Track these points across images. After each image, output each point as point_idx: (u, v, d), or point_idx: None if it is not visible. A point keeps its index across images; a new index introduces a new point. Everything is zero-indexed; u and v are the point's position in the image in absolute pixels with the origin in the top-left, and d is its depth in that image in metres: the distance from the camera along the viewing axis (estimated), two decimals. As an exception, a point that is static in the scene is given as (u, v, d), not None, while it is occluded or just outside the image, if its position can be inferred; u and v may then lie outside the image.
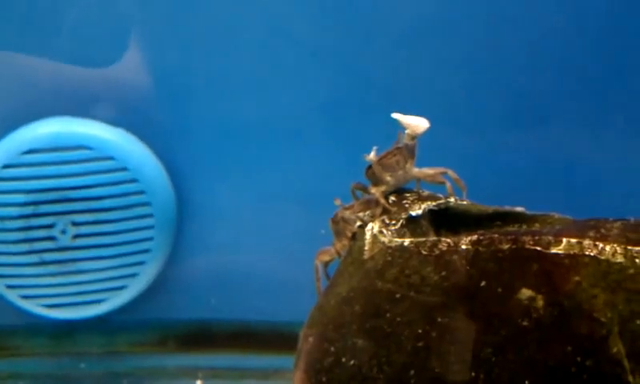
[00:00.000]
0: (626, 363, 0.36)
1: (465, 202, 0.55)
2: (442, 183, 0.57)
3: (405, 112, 0.56)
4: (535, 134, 0.80)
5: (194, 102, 0.79)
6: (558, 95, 0.78)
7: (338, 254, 0.56)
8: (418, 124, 0.56)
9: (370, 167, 0.58)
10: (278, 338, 0.81)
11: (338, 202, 0.57)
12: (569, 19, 0.77)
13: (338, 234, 0.57)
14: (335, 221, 0.57)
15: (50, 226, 0.76)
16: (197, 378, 0.80)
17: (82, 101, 0.77)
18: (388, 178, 0.56)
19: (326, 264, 0.58)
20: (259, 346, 0.82)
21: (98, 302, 0.78)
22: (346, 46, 0.78)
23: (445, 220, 0.55)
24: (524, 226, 0.53)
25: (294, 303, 0.74)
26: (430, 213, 0.54)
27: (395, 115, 0.56)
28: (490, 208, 0.54)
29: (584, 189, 0.80)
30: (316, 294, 0.56)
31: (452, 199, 0.55)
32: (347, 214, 0.56)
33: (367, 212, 0.56)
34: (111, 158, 0.76)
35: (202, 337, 0.82)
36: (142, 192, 0.76)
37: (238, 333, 0.82)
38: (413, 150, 0.57)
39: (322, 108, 0.79)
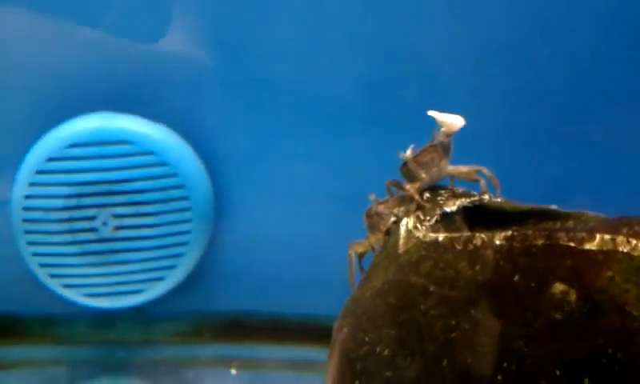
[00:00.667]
0: (657, 357, 0.36)
1: (499, 200, 0.56)
2: (477, 181, 0.57)
3: (443, 109, 0.57)
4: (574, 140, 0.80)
5: (232, 98, 0.81)
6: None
7: (372, 247, 0.57)
8: (453, 122, 0.56)
9: (405, 164, 0.59)
10: (311, 331, 0.82)
11: (372, 197, 0.58)
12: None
13: (372, 227, 0.58)
14: (369, 215, 0.58)
15: (92, 218, 0.78)
16: (231, 367, 0.81)
17: (124, 96, 0.80)
18: (423, 175, 0.57)
19: (360, 256, 0.59)
20: (293, 338, 0.83)
21: (137, 292, 0.80)
22: (387, 37, 0.79)
23: (479, 217, 0.55)
24: (558, 224, 0.53)
25: (327, 296, 0.75)
26: (464, 210, 0.54)
27: (431, 113, 0.57)
28: (525, 206, 0.55)
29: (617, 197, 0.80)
30: (349, 286, 0.57)
31: (486, 196, 0.56)
32: (381, 208, 0.57)
33: (402, 208, 0.57)
34: (152, 153, 0.78)
35: (236, 328, 0.84)
36: (181, 186, 0.78)
37: (272, 325, 0.84)
38: (448, 147, 0.58)
39: (360, 103, 0.81)
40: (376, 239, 0.57)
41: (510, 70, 0.78)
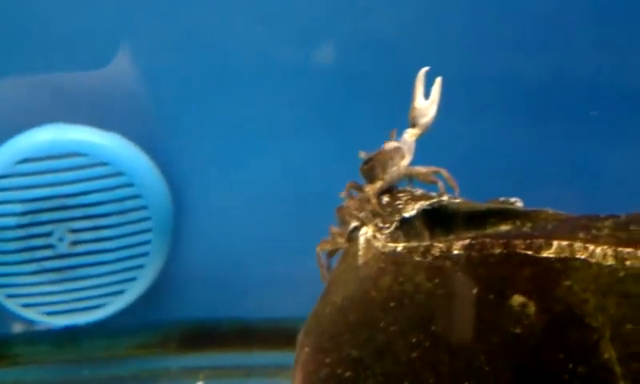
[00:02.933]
0: (617, 368, 0.36)
1: (458, 200, 0.55)
2: (434, 182, 0.57)
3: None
4: (532, 127, 0.80)
5: (186, 104, 0.79)
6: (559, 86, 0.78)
7: (340, 246, 0.56)
8: (428, 113, 0.56)
9: (364, 163, 0.58)
10: (279, 335, 0.81)
11: (343, 195, 0.57)
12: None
13: (342, 222, 0.57)
14: (339, 210, 0.57)
15: (48, 234, 0.76)
16: (199, 378, 0.80)
17: (75, 107, 0.77)
18: (383, 175, 0.57)
19: (330, 254, 0.58)
20: (261, 344, 0.83)
21: (99, 306, 0.79)
22: (339, 35, 0.78)
23: (438, 219, 0.55)
24: (517, 223, 0.53)
25: (294, 299, 0.74)
26: (423, 212, 0.54)
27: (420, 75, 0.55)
28: (484, 205, 0.54)
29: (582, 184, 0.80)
30: (322, 282, 0.55)
31: (445, 197, 0.55)
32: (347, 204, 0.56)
33: (362, 212, 0.56)
34: (106, 164, 0.76)
35: (203, 336, 0.83)
36: (138, 196, 0.77)
37: (240, 331, 0.83)
38: (411, 147, 0.57)
39: (318, 103, 0.79)
40: (343, 238, 0.56)
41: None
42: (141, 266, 0.78)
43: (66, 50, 0.77)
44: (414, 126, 0.57)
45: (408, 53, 0.77)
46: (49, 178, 0.75)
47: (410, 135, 0.57)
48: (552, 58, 0.77)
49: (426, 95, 0.57)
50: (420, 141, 0.57)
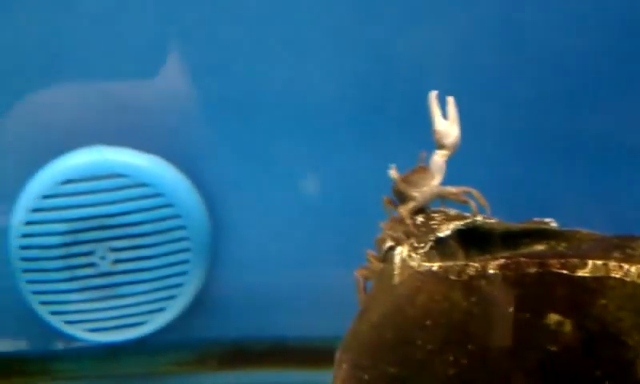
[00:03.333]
0: (653, 387, 0.36)
1: (492, 221, 0.56)
2: (466, 202, 0.57)
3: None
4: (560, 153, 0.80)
5: (225, 126, 0.81)
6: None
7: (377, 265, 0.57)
8: (448, 132, 0.56)
9: (397, 184, 0.59)
10: (315, 353, 0.82)
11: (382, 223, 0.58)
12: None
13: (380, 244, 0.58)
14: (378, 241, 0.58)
15: (90, 253, 0.78)
16: (236, 395, 0.82)
17: (115, 130, 0.80)
18: (415, 194, 0.57)
19: (366, 278, 0.59)
20: (296, 362, 0.83)
21: (139, 324, 0.80)
22: (373, 45, 0.79)
23: (473, 239, 0.55)
24: (552, 243, 0.54)
25: (330, 318, 0.75)
26: (458, 232, 0.55)
27: (432, 99, 0.56)
28: (518, 225, 0.55)
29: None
30: (359, 306, 0.56)
31: (479, 218, 0.56)
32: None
33: (396, 231, 0.57)
34: (146, 185, 0.78)
35: (240, 355, 0.84)
36: (177, 216, 0.78)
37: (275, 349, 0.84)
38: (441, 167, 0.58)
39: (354, 118, 0.80)
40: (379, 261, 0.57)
41: (500, 80, 0.78)
42: (180, 285, 0.80)
43: (108, 71, 0.79)
44: (441, 147, 0.58)
45: (429, 76, 0.78)
46: (90, 198, 0.77)
47: (440, 156, 0.58)
48: (572, 89, 0.78)
49: (445, 115, 0.58)
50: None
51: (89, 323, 0.80)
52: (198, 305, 0.82)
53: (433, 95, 0.57)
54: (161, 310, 0.80)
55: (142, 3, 0.77)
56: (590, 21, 0.76)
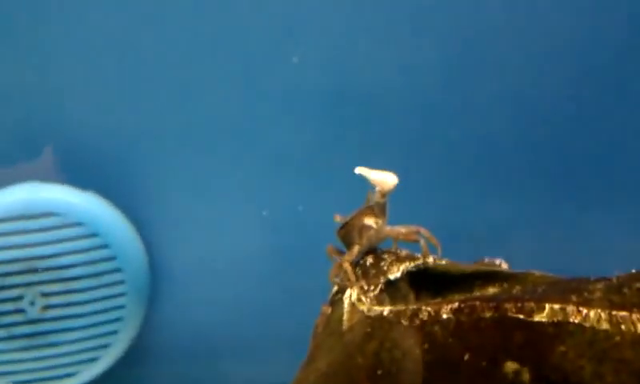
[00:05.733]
0: (617, 440, 0.34)
1: (443, 262, 0.54)
2: (416, 241, 0.55)
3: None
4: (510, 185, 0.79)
5: (163, 162, 0.77)
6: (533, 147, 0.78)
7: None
8: (385, 179, 0.54)
9: (341, 228, 0.57)
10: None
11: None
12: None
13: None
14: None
15: (19, 299, 0.74)
16: None
17: (48, 165, 0.76)
18: (361, 239, 0.55)
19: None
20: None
21: (70, 375, 0.75)
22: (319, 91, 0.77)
23: (424, 280, 0.53)
24: (505, 285, 0.52)
25: (276, 365, 0.72)
26: (408, 274, 0.52)
27: (359, 170, 0.54)
28: (470, 267, 0.53)
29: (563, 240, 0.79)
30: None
31: (430, 259, 0.54)
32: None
33: (340, 278, 0.54)
34: (80, 224, 0.74)
35: (179, 407, 0.80)
36: (113, 258, 0.74)
37: (218, 399, 0.80)
38: (383, 208, 0.56)
39: (299, 159, 0.78)
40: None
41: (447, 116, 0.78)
42: (114, 332, 0.75)
43: (40, 105, 0.75)
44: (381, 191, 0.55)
45: (384, 111, 0.77)
46: (20, 239, 0.73)
47: (380, 196, 0.55)
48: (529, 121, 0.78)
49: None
50: (396, 203, 0.56)
51: (15, 375, 0.75)
52: (133, 354, 0.77)
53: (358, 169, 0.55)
54: (93, 360, 0.76)
55: (81, 35, 0.74)
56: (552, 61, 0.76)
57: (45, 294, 0.74)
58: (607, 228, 0.78)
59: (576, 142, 0.77)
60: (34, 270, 0.73)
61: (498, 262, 0.56)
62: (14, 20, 0.73)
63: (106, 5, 0.73)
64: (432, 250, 0.56)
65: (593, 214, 0.78)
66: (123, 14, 0.73)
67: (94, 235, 0.74)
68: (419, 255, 0.55)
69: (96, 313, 0.74)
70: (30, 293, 0.74)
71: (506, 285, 0.51)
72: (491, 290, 0.51)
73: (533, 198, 0.79)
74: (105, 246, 0.74)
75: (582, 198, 0.78)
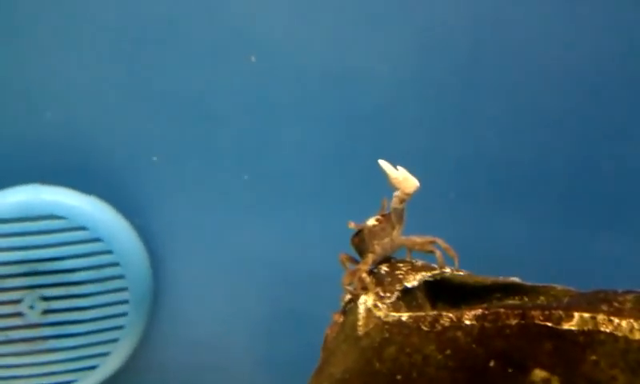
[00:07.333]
0: None
1: (461, 273, 0.53)
2: (431, 252, 0.54)
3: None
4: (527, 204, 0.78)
5: (169, 169, 0.76)
6: (547, 168, 0.77)
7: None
8: (407, 177, 0.52)
9: (355, 235, 0.55)
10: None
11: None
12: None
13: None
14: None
15: (18, 302, 0.71)
16: None
17: (52, 168, 0.74)
18: (375, 247, 0.54)
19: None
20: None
21: (68, 383, 0.73)
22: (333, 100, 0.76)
23: (441, 291, 0.52)
24: (525, 298, 0.50)
25: (278, 381, 0.70)
26: (425, 284, 0.51)
27: (383, 163, 0.52)
28: (489, 279, 0.51)
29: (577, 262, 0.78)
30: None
31: (448, 269, 0.53)
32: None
33: (354, 285, 0.52)
34: (84, 228, 0.72)
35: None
36: (116, 264, 0.72)
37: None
38: (401, 215, 0.54)
39: (302, 177, 0.77)
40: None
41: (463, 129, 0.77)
42: (115, 340, 0.73)
43: (44, 107, 0.74)
44: (399, 193, 0.53)
45: (391, 129, 0.75)
46: (21, 241, 0.71)
47: (398, 203, 0.53)
48: (543, 143, 0.76)
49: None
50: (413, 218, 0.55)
51: (13, 380, 0.72)
52: (134, 363, 0.75)
53: (381, 162, 0.53)
54: (92, 368, 0.73)
55: (85, 37, 0.73)
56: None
57: (45, 298, 0.72)
58: (620, 250, 0.76)
59: (590, 164, 0.76)
60: (35, 273, 0.71)
61: (512, 279, 0.54)
62: (15, 20, 0.72)
63: (111, 7, 0.72)
64: (448, 261, 0.54)
65: (605, 236, 0.77)
66: (129, 18, 0.72)
67: (97, 240, 0.72)
68: (435, 265, 0.53)
69: (97, 319, 0.72)
70: (29, 296, 0.71)
71: (526, 298, 0.50)
72: (511, 303, 0.49)
73: (546, 219, 0.77)
74: (108, 252, 0.72)
75: (595, 220, 0.77)
